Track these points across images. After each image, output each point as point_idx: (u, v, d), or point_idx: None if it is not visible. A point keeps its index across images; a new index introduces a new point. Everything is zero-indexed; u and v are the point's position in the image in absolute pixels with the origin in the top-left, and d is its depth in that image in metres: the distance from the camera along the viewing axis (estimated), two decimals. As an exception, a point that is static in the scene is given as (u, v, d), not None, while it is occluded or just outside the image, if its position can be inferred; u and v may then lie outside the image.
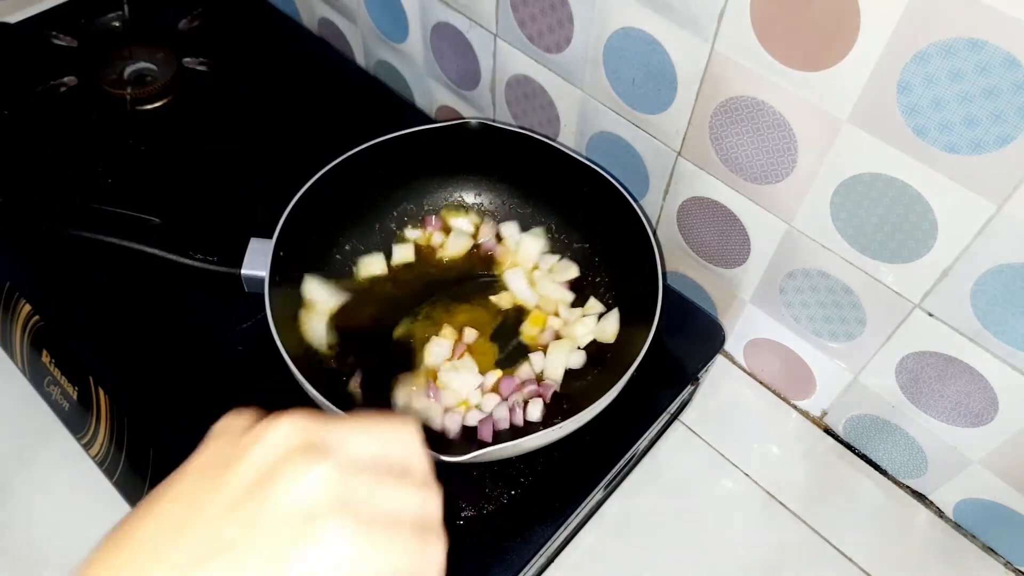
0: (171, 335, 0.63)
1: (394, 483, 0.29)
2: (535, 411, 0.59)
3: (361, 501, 0.28)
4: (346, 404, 0.53)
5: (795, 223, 0.58)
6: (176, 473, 0.30)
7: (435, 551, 0.29)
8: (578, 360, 0.62)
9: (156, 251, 0.60)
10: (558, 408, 0.60)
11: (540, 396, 0.60)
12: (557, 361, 0.62)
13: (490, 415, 0.59)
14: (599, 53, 0.61)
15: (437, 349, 0.62)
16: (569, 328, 0.64)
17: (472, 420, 0.59)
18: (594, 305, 0.65)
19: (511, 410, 0.59)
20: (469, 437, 0.58)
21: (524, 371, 0.62)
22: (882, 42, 0.45)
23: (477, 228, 0.70)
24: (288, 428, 0.29)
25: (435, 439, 0.58)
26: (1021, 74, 0.41)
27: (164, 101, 0.78)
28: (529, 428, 0.59)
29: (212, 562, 0.26)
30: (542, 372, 0.62)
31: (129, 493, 0.60)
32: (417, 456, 0.31)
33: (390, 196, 0.70)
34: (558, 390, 0.61)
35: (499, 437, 0.58)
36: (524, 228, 0.70)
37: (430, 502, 0.30)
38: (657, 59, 0.57)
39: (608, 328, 0.63)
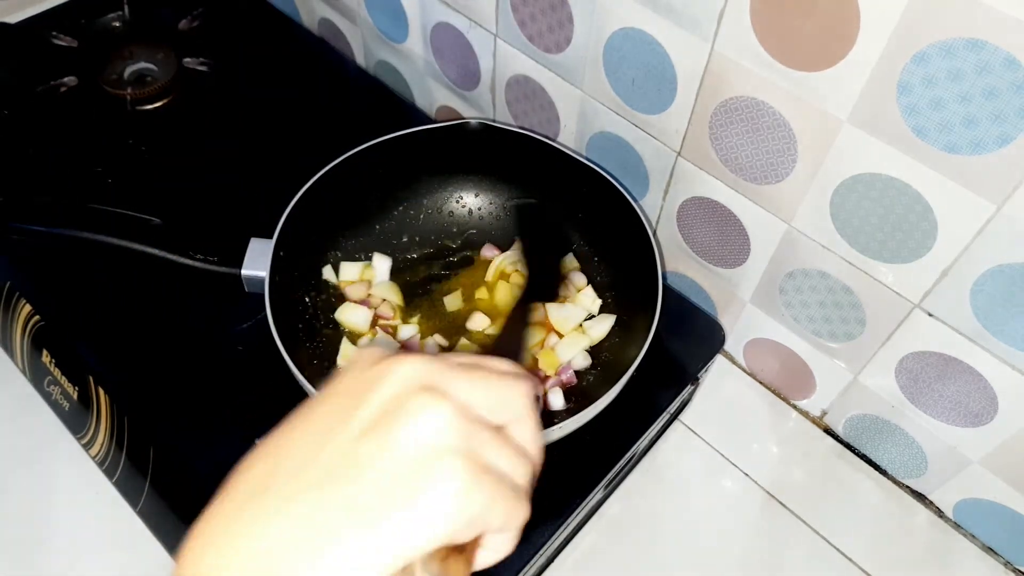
0: (171, 335, 0.63)
1: (502, 441, 0.30)
2: (557, 400, 0.60)
3: (476, 449, 0.29)
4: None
5: (795, 223, 0.58)
6: (309, 403, 0.31)
7: (522, 517, 0.30)
8: (583, 361, 0.62)
9: (156, 251, 0.61)
10: (562, 410, 0.60)
11: (560, 385, 0.60)
12: (574, 349, 0.62)
13: None
14: (599, 53, 0.61)
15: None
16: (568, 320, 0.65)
17: None
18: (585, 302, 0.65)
19: None
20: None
21: (544, 362, 0.62)
22: (882, 42, 0.45)
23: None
24: (413, 366, 0.30)
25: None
26: (1021, 74, 0.41)
27: (164, 101, 0.78)
28: (551, 419, 0.59)
29: (345, 480, 0.27)
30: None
31: (129, 493, 0.60)
32: (525, 416, 0.32)
33: (390, 196, 0.70)
34: (575, 381, 0.61)
35: None
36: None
37: (526, 467, 0.31)
38: (657, 59, 0.57)
39: (599, 329, 0.64)
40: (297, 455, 0.29)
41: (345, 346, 0.62)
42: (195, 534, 0.28)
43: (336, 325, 0.64)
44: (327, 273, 0.66)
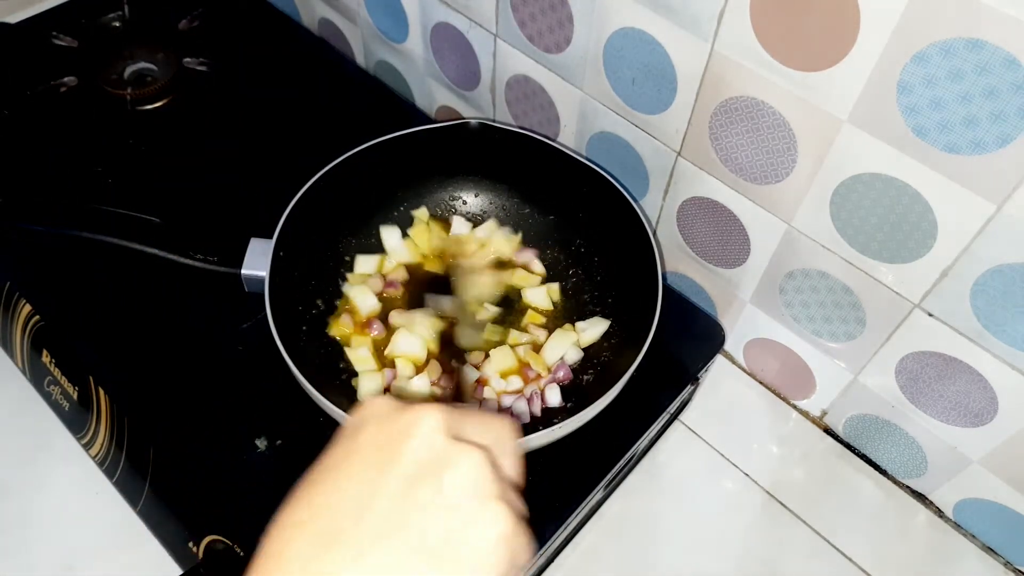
0: (171, 335, 0.63)
1: (511, 480, 0.33)
2: (554, 397, 0.60)
3: (506, 493, 0.31)
4: (347, 405, 0.53)
5: (795, 223, 0.58)
6: (337, 456, 0.32)
7: (528, 553, 0.32)
8: (575, 355, 0.62)
9: (156, 251, 0.61)
10: (560, 408, 0.60)
11: (556, 382, 0.60)
12: (562, 348, 0.62)
13: (508, 409, 0.59)
14: (599, 53, 0.61)
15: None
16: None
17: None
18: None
19: (529, 400, 0.59)
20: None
21: (535, 363, 0.62)
22: (882, 42, 0.45)
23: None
24: (436, 417, 0.32)
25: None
26: (1021, 74, 0.41)
27: (164, 101, 0.78)
28: (550, 416, 0.59)
29: (408, 527, 0.29)
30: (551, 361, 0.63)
31: (129, 493, 0.60)
32: (513, 452, 0.35)
33: (390, 196, 0.70)
34: (571, 376, 0.61)
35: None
36: (523, 229, 0.70)
37: (519, 503, 0.33)
38: (657, 59, 0.57)
39: (591, 333, 0.64)
40: (351, 506, 0.30)
41: (350, 353, 0.62)
42: None
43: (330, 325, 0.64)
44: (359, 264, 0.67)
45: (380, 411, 0.33)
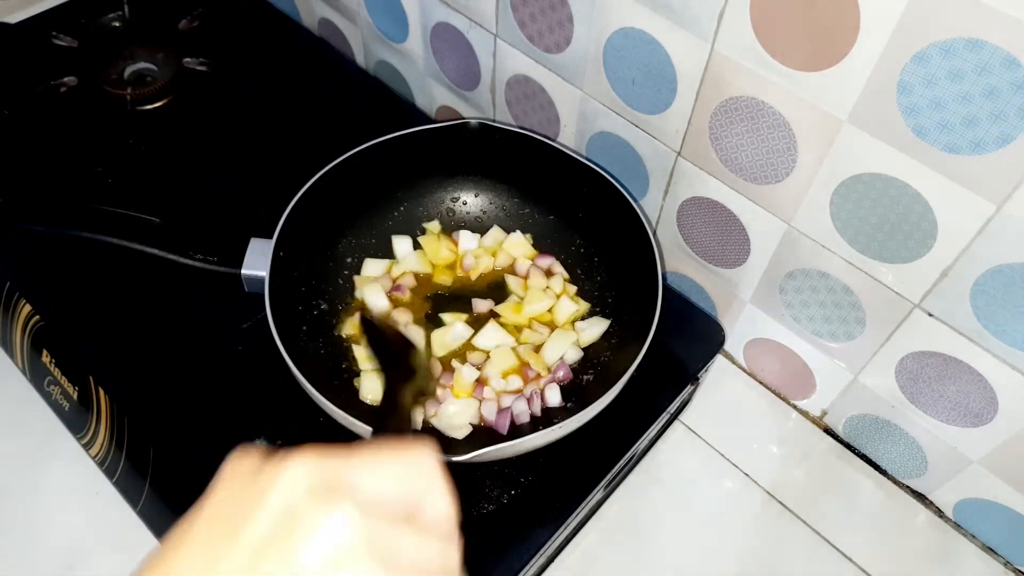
0: (171, 335, 0.63)
1: (416, 528, 0.27)
2: (554, 396, 0.60)
3: (384, 545, 0.26)
4: (347, 405, 0.53)
5: (795, 223, 0.58)
6: (187, 521, 0.28)
7: None
8: (574, 354, 0.62)
9: (156, 251, 0.61)
10: (559, 407, 0.60)
11: (556, 382, 0.60)
12: (562, 348, 0.62)
13: (507, 408, 0.59)
14: (599, 53, 0.61)
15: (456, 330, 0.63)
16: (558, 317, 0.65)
17: (489, 414, 0.59)
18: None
19: (529, 400, 0.59)
20: (475, 435, 0.58)
21: (535, 363, 0.62)
22: (882, 42, 0.45)
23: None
24: (302, 468, 0.27)
25: (437, 439, 0.58)
26: (1021, 74, 0.41)
27: (164, 101, 0.78)
28: (550, 416, 0.59)
29: None
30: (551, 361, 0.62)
31: (129, 493, 0.60)
32: (438, 491, 0.29)
33: (390, 196, 0.70)
34: (571, 376, 0.61)
35: (519, 430, 0.58)
36: (523, 229, 0.70)
37: (451, 552, 0.28)
38: (657, 59, 0.57)
39: (590, 332, 0.64)
40: None
41: (358, 351, 0.63)
42: None
43: (337, 325, 0.64)
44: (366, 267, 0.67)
45: (239, 469, 0.28)
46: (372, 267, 0.67)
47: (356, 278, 0.66)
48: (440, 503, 0.29)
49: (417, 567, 0.27)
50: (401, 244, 0.68)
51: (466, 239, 0.69)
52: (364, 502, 0.26)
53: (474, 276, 0.67)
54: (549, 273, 0.67)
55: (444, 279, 0.67)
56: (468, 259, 0.67)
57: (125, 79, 0.79)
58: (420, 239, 0.69)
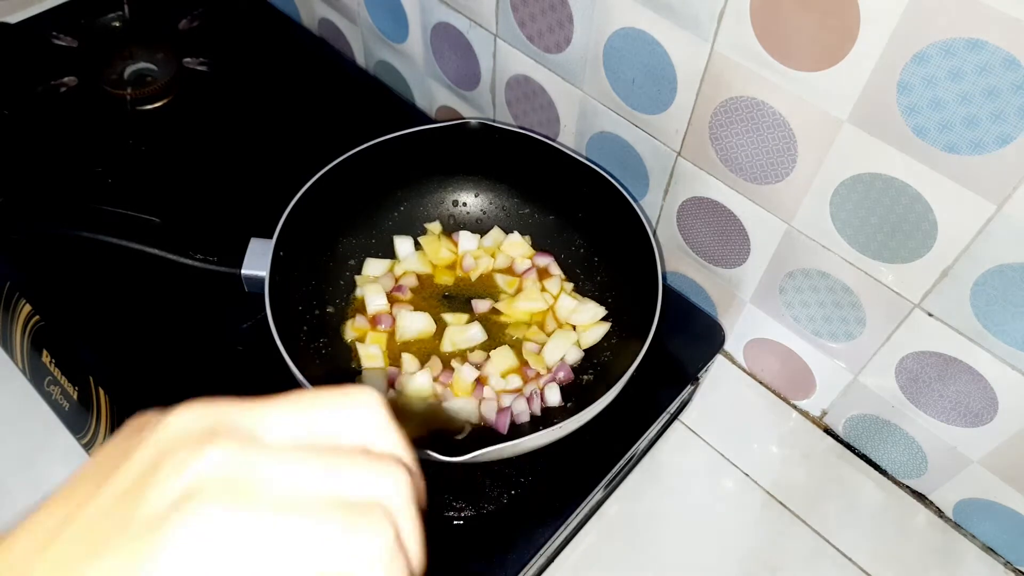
0: (171, 335, 0.63)
1: (328, 462, 0.24)
2: (553, 396, 0.60)
3: (266, 482, 0.23)
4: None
5: (795, 223, 0.58)
6: (78, 468, 0.26)
7: (375, 544, 0.23)
8: (575, 355, 0.62)
9: (156, 251, 0.60)
10: (559, 407, 0.60)
11: (556, 382, 0.60)
12: (562, 348, 0.62)
13: (508, 408, 0.59)
14: (599, 53, 0.61)
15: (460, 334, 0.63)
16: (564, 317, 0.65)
17: (488, 414, 0.59)
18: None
19: (529, 400, 0.59)
20: (475, 435, 0.58)
21: (535, 363, 0.62)
22: (882, 42, 0.45)
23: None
24: (188, 414, 0.24)
25: (437, 439, 0.58)
26: (1021, 74, 0.41)
27: (164, 101, 0.78)
28: (550, 416, 0.59)
29: (82, 567, 0.22)
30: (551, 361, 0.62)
31: (129, 493, 0.60)
32: (383, 427, 0.26)
33: (390, 196, 0.70)
34: (571, 376, 0.61)
35: (519, 430, 0.58)
36: (522, 229, 0.70)
37: (392, 476, 0.24)
38: (657, 59, 0.57)
39: (591, 335, 0.64)
40: (40, 539, 0.24)
41: (361, 349, 0.63)
42: None
43: (337, 325, 0.64)
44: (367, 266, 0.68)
45: (130, 426, 0.26)
46: (373, 267, 0.67)
47: (357, 278, 0.67)
48: (390, 438, 0.26)
49: (323, 499, 0.23)
50: (403, 244, 0.68)
51: (466, 240, 0.69)
52: (256, 443, 0.24)
53: (474, 277, 0.67)
54: (547, 273, 0.67)
55: (445, 279, 0.67)
56: (468, 260, 0.67)
57: (125, 79, 0.79)
58: (420, 239, 0.69)
